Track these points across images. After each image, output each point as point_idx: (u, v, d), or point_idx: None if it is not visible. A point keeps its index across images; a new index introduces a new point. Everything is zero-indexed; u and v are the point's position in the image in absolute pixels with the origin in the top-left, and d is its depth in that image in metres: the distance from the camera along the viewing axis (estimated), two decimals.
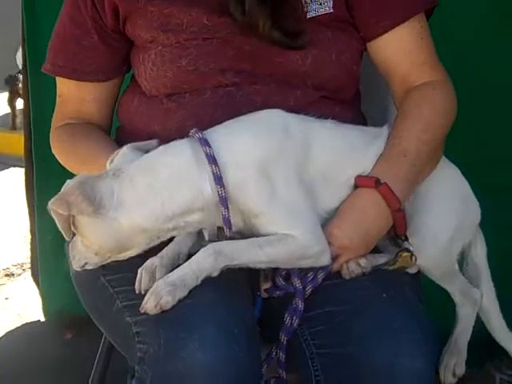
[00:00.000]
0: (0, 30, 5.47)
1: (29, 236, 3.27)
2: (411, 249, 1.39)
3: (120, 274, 1.35)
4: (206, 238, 1.31)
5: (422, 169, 1.43)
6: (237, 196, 1.26)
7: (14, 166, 4.52)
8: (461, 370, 1.55)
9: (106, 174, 1.27)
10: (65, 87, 1.63)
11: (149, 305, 1.20)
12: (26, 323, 2.84)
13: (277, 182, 1.27)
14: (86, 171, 1.35)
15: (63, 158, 1.62)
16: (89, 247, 1.30)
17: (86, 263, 1.34)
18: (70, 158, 1.60)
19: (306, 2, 1.48)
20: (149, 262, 1.27)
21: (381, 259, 1.40)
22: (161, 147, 1.32)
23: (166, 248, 1.31)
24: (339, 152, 1.40)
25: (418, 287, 1.44)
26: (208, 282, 1.23)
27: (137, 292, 1.25)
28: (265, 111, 1.37)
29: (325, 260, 1.31)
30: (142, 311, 1.21)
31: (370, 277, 1.35)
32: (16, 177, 4.35)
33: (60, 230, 1.27)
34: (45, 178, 2.50)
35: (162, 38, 1.48)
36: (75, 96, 1.63)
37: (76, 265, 1.35)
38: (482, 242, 1.61)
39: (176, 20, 1.47)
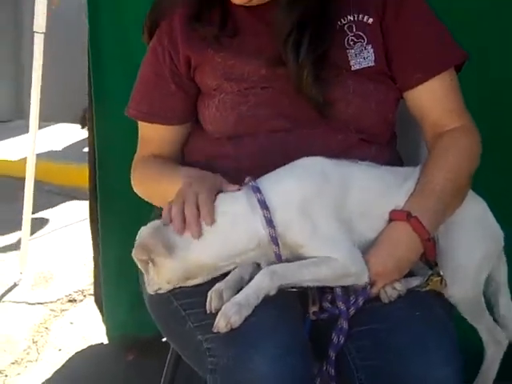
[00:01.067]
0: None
1: (88, 263, 3.46)
2: (441, 273, 1.53)
3: (190, 298, 1.51)
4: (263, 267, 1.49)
5: (448, 204, 1.57)
6: (284, 233, 1.45)
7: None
8: None
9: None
10: (146, 130, 1.81)
11: (220, 324, 1.36)
12: (91, 345, 2.94)
13: (317, 219, 1.45)
14: (163, 189, 1.65)
15: (139, 182, 1.80)
16: (162, 277, 1.50)
17: (159, 288, 1.54)
18: (143, 182, 1.79)
19: (351, 56, 1.65)
20: (216, 286, 1.45)
21: (414, 282, 1.54)
22: (220, 195, 1.51)
23: (230, 274, 1.48)
24: (374, 191, 1.55)
25: (448, 305, 1.58)
26: (267, 304, 1.38)
27: (208, 312, 1.41)
28: (307, 159, 1.54)
29: (364, 278, 1.46)
30: (215, 330, 1.36)
31: (405, 298, 1.50)
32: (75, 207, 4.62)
33: (142, 270, 1.51)
34: (108, 209, 2.63)
35: (225, 86, 1.67)
36: (155, 138, 1.80)
37: (150, 289, 1.54)
38: (504, 263, 1.71)
39: (238, 70, 1.66)
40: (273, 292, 1.40)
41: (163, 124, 1.78)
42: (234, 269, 1.51)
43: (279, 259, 1.47)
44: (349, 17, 1.67)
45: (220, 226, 1.47)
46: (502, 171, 2.32)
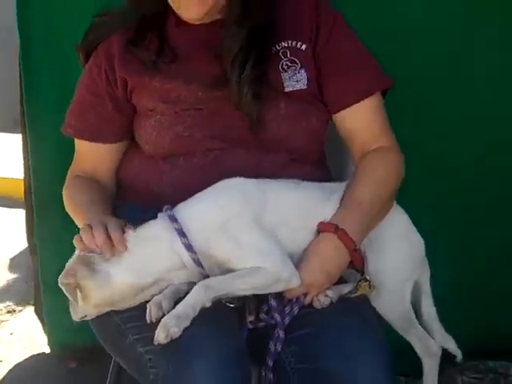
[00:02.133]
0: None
1: (26, 274, 3.48)
2: (368, 278, 1.61)
3: (129, 312, 1.55)
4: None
5: (374, 216, 1.66)
6: (208, 253, 1.52)
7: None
8: None
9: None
10: (81, 146, 1.87)
11: (160, 336, 1.41)
12: (33, 355, 2.93)
13: (239, 235, 1.52)
14: (76, 218, 1.74)
15: (66, 203, 1.85)
16: (89, 303, 1.55)
17: (85, 316, 1.60)
18: (69, 206, 1.84)
19: (284, 79, 1.73)
20: (154, 298, 1.51)
21: (345, 289, 1.62)
22: (148, 225, 1.57)
23: (168, 286, 1.54)
24: (297, 205, 1.62)
25: (376, 310, 1.67)
26: (204, 316, 1.44)
27: (148, 321, 1.47)
28: (226, 181, 1.61)
29: (295, 281, 1.53)
30: (156, 343, 1.41)
31: (336, 304, 1.58)
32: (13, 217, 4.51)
33: (69, 297, 1.55)
34: (44, 219, 2.60)
35: (161, 108, 1.73)
36: (89, 155, 1.86)
37: (76, 317, 1.60)
38: (427, 267, 1.78)
39: (175, 93, 1.72)
40: (208, 304, 1.46)
41: (98, 142, 1.83)
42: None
43: (205, 278, 1.53)
44: (283, 43, 1.76)
45: (140, 250, 1.53)
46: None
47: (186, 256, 1.52)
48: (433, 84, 2.33)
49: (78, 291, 1.54)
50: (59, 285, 1.53)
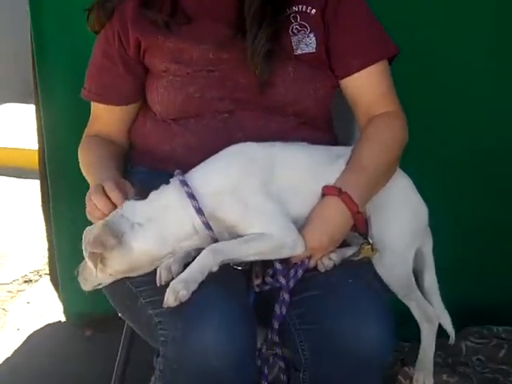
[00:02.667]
0: None
1: (41, 244, 3.52)
2: (371, 241, 1.65)
3: (140, 277, 1.60)
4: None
5: (378, 180, 1.70)
6: (218, 218, 1.56)
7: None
8: (430, 382, 1.80)
9: (122, 216, 1.57)
10: (96, 109, 1.94)
11: (169, 299, 1.45)
12: (49, 324, 2.99)
13: (247, 200, 1.56)
14: (88, 178, 1.81)
15: (80, 162, 1.90)
16: (107, 271, 1.59)
17: (98, 284, 1.65)
18: (82, 166, 1.89)
19: (294, 42, 1.77)
20: (165, 262, 1.56)
21: (348, 252, 1.66)
22: (153, 192, 1.61)
23: None
24: (305, 168, 1.66)
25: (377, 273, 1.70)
26: (213, 279, 1.48)
27: (158, 285, 1.52)
28: (234, 146, 1.65)
29: (300, 248, 1.57)
30: (165, 306, 1.46)
31: (339, 267, 1.63)
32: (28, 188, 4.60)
33: (90, 265, 1.57)
34: (58, 188, 2.67)
35: (173, 69, 1.78)
36: (104, 117, 1.93)
37: (89, 287, 1.65)
38: (430, 237, 1.82)
39: (187, 55, 1.77)
40: (215, 268, 1.50)
41: (112, 104, 1.89)
42: None
43: (214, 242, 1.57)
44: (294, 7, 1.81)
45: (156, 217, 1.57)
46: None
47: (196, 219, 1.56)
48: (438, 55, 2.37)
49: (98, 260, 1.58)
50: (84, 253, 1.56)
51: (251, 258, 1.58)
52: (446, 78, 2.42)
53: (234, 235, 1.57)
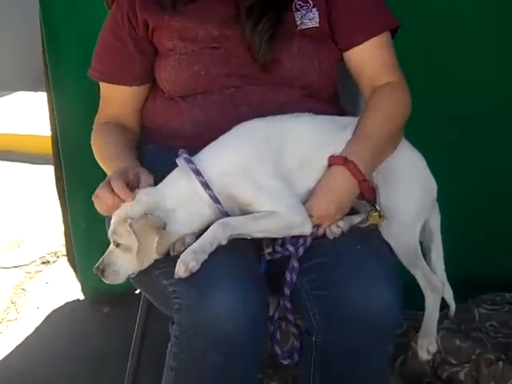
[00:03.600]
0: None
1: (57, 225, 3.53)
2: (378, 208, 1.68)
3: None
4: None
5: (383, 149, 1.72)
6: (229, 196, 1.60)
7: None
8: (433, 347, 1.78)
9: (156, 204, 1.59)
10: (107, 91, 1.93)
11: (179, 270, 1.50)
12: (67, 302, 3.06)
13: (258, 179, 1.60)
14: (104, 168, 1.81)
15: (94, 151, 1.90)
16: (139, 260, 1.59)
17: (132, 274, 1.63)
18: (96, 155, 1.89)
19: (297, 18, 1.80)
20: None
21: (355, 219, 1.69)
22: (168, 178, 1.64)
23: None
24: (313, 139, 1.69)
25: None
26: (224, 249, 1.53)
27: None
28: (244, 124, 1.68)
29: (307, 229, 1.61)
30: (176, 277, 1.50)
31: (348, 233, 1.66)
32: (43, 173, 4.67)
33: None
34: (72, 171, 2.71)
35: (180, 47, 1.81)
36: (115, 99, 1.93)
37: (121, 279, 1.63)
38: (437, 212, 1.83)
39: (192, 32, 1.80)
40: (224, 242, 1.54)
41: (124, 85, 1.90)
42: None
43: (225, 215, 1.61)
44: None
45: (179, 202, 1.60)
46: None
47: (204, 194, 1.59)
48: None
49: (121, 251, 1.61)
50: (121, 240, 1.59)
51: (259, 235, 1.62)
52: (450, 53, 2.45)
53: (245, 212, 1.61)
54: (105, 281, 1.64)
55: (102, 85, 1.95)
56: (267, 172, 1.61)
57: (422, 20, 2.33)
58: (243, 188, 1.61)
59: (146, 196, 1.60)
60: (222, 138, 1.68)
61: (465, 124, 2.52)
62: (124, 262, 1.61)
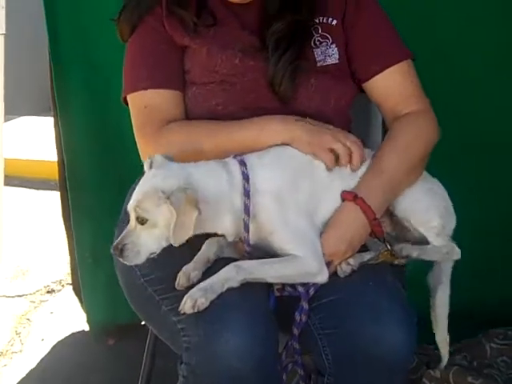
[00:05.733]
0: None
1: (63, 254, 3.52)
2: (388, 247, 1.65)
3: (162, 284, 1.62)
4: (229, 239, 1.61)
5: (400, 182, 1.69)
6: (258, 216, 1.57)
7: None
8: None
9: (183, 178, 1.51)
10: (154, 99, 1.78)
11: (186, 306, 1.48)
12: (72, 333, 3.04)
13: (288, 210, 1.58)
14: (225, 138, 1.69)
15: (182, 139, 1.73)
16: (175, 238, 1.49)
17: (153, 253, 1.53)
18: (196, 133, 1.74)
19: (317, 54, 1.79)
20: (184, 268, 1.57)
21: (366, 257, 1.66)
22: (214, 162, 1.60)
23: (196, 256, 1.60)
24: (335, 175, 1.66)
25: (400, 275, 1.71)
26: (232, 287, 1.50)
27: (177, 288, 1.54)
28: (283, 148, 1.65)
29: (323, 278, 1.58)
30: (181, 311, 1.48)
31: (359, 270, 1.63)
32: (48, 199, 4.67)
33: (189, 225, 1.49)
34: (78, 199, 2.66)
35: (198, 75, 1.78)
36: (166, 104, 1.78)
37: (141, 258, 1.52)
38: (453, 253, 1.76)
39: (212, 59, 1.77)
40: (236, 284, 1.52)
41: (178, 90, 1.79)
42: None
43: (246, 229, 1.57)
44: (315, 20, 1.81)
45: (211, 189, 1.54)
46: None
47: (238, 201, 1.56)
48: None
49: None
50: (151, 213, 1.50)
51: (273, 280, 1.59)
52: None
53: (263, 240, 1.59)
54: (123, 261, 1.54)
55: (147, 95, 1.79)
56: (299, 207, 1.60)
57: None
58: (271, 214, 1.58)
59: (177, 170, 1.54)
60: (270, 155, 1.65)
61: (480, 153, 2.51)
62: (147, 240, 1.52)
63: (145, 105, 1.79)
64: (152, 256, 1.54)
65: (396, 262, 1.69)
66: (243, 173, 1.58)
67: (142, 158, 1.77)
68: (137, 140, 1.80)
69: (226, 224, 1.59)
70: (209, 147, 1.70)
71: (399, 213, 1.71)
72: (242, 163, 1.59)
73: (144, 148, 1.78)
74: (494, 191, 2.57)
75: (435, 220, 1.71)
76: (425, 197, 1.73)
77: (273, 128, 1.68)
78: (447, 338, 1.82)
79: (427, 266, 1.78)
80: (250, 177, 1.58)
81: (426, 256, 1.71)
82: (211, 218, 1.55)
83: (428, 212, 1.72)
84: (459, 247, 1.75)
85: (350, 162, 1.66)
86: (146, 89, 1.78)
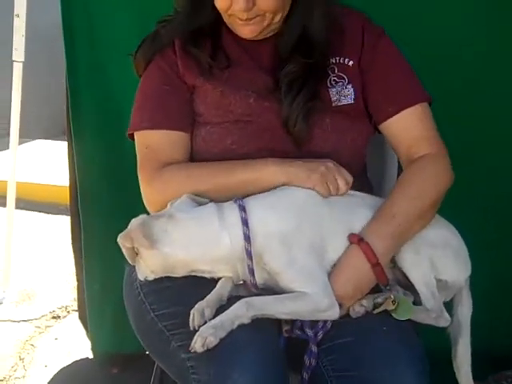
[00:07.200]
0: None
1: (70, 279, 3.55)
2: (392, 296, 1.62)
3: (173, 320, 1.61)
4: (235, 282, 1.61)
5: (409, 228, 1.67)
6: (263, 259, 1.57)
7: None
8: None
9: (163, 215, 1.60)
10: (157, 140, 1.77)
11: (197, 345, 1.47)
12: (76, 360, 3.01)
13: (294, 251, 1.56)
14: (239, 179, 1.69)
15: (181, 180, 1.72)
16: (147, 267, 1.63)
17: (146, 276, 1.66)
18: (194, 175, 1.73)
19: (332, 94, 1.78)
20: (198, 305, 1.55)
21: (379, 298, 1.63)
22: (211, 206, 1.62)
23: (210, 294, 1.59)
24: (343, 218, 1.66)
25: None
26: (244, 324, 1.49)
27: (191, 329, 1.52)
28: (292, 189, 1.65)
29: (335, 314, 1.57)
30: (192, 350, 1.47)
31: (372, 313, 1.61)
32: (57, 224, 4.67)
33: (126, 256, 1.62)
34: (90, 226, 2.65)
35: (212, 115, 1.78)
36: (168, 145, 1.77)
37: (141, 277, 1.66)
38: (469, 303, 1.76)
39: (226, 100, 1.77)
40: (247, 321, 1.51)
41: (180, 131, 1.79)
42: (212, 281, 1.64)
43: (252, 273, 1.58)
44: (331, 59, 1.81)
45: (204, 232, 1.58)
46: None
47: (239, 246, 1.56)
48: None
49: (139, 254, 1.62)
50: (118, 241, 1.60)
51: (284, 317, 1.58)
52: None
53: (270, 279, 1.58)
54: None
55: (149, 136, 1.79)
56: (304, 246, 1.58)
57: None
58: (278, 256, 1.57)
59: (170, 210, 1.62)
60: (270, 197, 1.65)
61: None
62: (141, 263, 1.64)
63: (146, 145, 1.80)
64: (149, 279, 1.65)
65: (394, 315, 1.63)
66: (241, 218, 1.57)
67: (143, 199, 1.79)
68: (139, 179, 1.81)
69: (222, 268, 1.60)
70: (207, 189, 1.71)
71: (399, 262, 1.69)
72: (241, 208, 1.59)
73: (143, 189, 1.79)
74: None
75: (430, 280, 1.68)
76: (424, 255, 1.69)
77: (270, 169, 1.68)
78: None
79: None
80: (250, 220, 1.58)
81: (416, 318, 1.66)
82: (201, 261, 1.59)
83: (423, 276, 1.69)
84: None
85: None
86: (148, 129, 1.80)
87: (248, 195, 1.65)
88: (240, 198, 1.62)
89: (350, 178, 1.68)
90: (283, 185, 1.67)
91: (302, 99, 1.73)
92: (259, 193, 1.66)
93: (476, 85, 2.38)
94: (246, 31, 1.76)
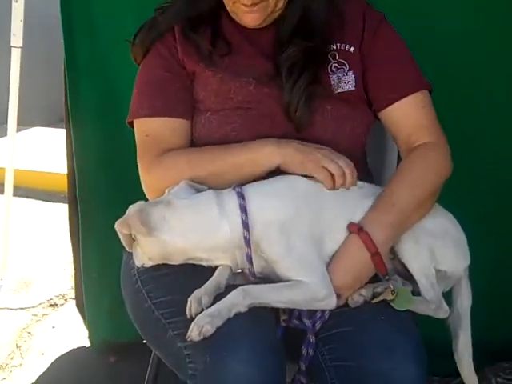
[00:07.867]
0: None
1: (67, 268, 3.54)
2: (391, 286, 1.60)
3: (170, 308, 1.60)
4: (233, 270, 1.60)
5: (409, 216, 1.65)
6: (260, 246, 1.56)
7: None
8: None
9: (161, 202, 1.59)
10: (156, 127, 1.76)
11: (193, 333, 1.46)
12: (73, 349, 3.01)
13: (292, 239, 1.55)
14: (234, 161, 1.68)
15: (181, 166, 1.71)
16: (145, 254, 1.62)
17: (143, 264, 1.66)
18: (194, 160, 1.72)
19: (333, 81, 1.77)
20: (195, 293, 1.54)
21: (379, 288, 1.62)
22: (210, 192, 1.61)
23: (207, 282, 1.58)
24: (343, 207, 1.64)
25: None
26: (241, 313, 1.48)
27: (188, 317, 1.51)
28: (290, 177, 1.63)
29: (331, 303, 1.56)
30: (188, 339, 1.46)
31: (371, 303, 1.60)
32: (55, 211, 4.67)
33: (123, 243, 1.62)
34: (88, 213, 2.64)
35: (211, 102, 1.76)
36: (168, 132, 1.76)
37: (138, 263, 1.66)
38: (469, 293, 1.76)
39: (226, 86, 1.76)
40: (243, 309, 1.49)
41: (180, 118, 1.78)
42: (207, 268, 1.63)
43: (249, 261, 1.57)
44: (332, 46, 1.80)
45: (202, 218, 1.57)
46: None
47: (237, 234, 1.55)
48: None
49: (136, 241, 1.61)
50: (115, 227, 1.59)
51: (281, 305, 1.57)
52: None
53: (267, 267, 1.57)
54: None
55: (149, 123, 1.78)
56: (303, 235, 1.57)
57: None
58: (275, 244, 1.56)
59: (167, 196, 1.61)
60: (270, 184, 1.64)
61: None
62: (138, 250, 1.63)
63: (146, 133, 1.79)
64: (146, 266, 1.65)
65: (393, 305, 1.62)
66: (240, 205, 1.56)
67: (143, 187, 1.79)
68: (139, 167, 1.80)
69: (220, 256, 1.59)
70: (207, 173, 1.70)
71: (398, 253, 1.67)
72: (240, 195, 1.58)
73: (143, 176, 1.79)
74: None
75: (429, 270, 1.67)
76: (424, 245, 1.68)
77: (267, 150, 1.67)
78: (475, 377, 1.77)
79: None
80: (249, 208, 1.56)
81: (415, 309, 1.65)
82: (199, 248, 1.58)
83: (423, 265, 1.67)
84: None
85: (344, 182, 1.64)
86: (147, 116, 1.79)
87: (247, 180, 1.64)
88: (239, 185, 1.61)
89: (352, 166, 1.66)
90: (278, 167, 1.65)
91: (303, 83, 1.71)
92: (255, 175, 1.65)
93: (476, 72, 2.37)
94: (249, 19, 1.75)
